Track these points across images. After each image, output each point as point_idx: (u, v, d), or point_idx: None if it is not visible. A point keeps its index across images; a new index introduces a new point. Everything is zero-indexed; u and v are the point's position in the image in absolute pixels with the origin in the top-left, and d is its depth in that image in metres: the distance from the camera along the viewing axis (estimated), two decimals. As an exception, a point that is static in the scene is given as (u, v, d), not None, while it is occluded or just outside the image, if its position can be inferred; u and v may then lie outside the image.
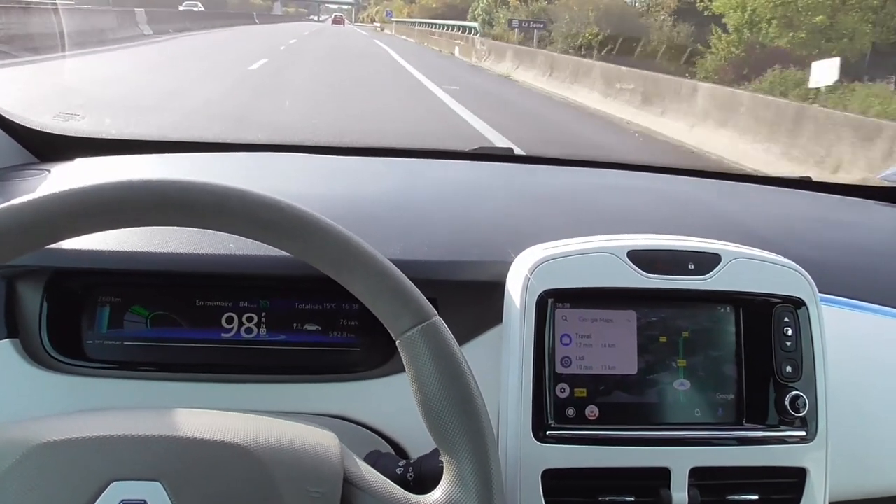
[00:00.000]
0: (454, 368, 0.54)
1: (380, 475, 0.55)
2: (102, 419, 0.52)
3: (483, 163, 1.30)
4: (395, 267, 0.56)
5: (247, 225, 0.54)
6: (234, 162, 1.19)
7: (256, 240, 0.55)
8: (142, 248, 0.79)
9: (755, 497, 0.75)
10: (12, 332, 0.79)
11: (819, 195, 1.32)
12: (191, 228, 0.79)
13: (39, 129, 1.15)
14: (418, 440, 0.69)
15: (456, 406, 0.53)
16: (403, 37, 36.04)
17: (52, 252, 0.77)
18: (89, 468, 0.48)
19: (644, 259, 0.76)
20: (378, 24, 55.53)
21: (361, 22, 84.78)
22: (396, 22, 45.90)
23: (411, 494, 0.54)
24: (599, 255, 0.76)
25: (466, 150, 1.36)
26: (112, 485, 0.48)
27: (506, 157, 1.36)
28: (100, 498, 0.47)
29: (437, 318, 0.55)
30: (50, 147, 1.15)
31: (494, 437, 0.55)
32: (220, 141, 1.30)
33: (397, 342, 0.55)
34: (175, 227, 0.78)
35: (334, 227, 0.55)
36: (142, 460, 0.49)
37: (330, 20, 78.08)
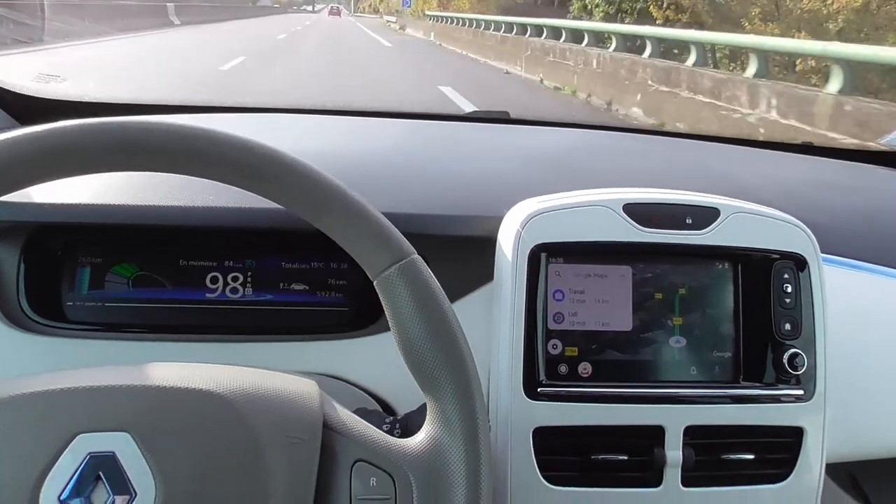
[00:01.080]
0: (435, 306, 0.52)
1: (361, 420, 0.53)
2: (69, 374, 0.50)
3: (479, 124, 1.28)
4: (372, 207, 0.54)
5: (217, 167, 0.52)
6: (223, 122, 1.16)
7: (229, 183, 0.53)
8: (122, 201, 0.77)
9: (751, 456, 0.74)
10: None
11: (820, 159, 1.30)
12: (172, 182, 0.78)
13: (19, 91, 1.12)
14: (406, 398, 0.67)
15: (437, 344, 0.51)
16: (456, 49, 18.12)
17: (28, 207, 0.75)
18: (53, 422, 0.46)
19: (640, 213, 0.73)
20: (391, 19, 42.57)
21: (362, 13, 77.78)
22: (433, 16, 28.16)
23: (393, 438, 0.52)
24: (594, 208, 0.73)
25: (462, 113, 1.33)
26: (77, 437, 0.46)
27: (502, 119, 1.34)
28: (65, 452, 0.45)
29: (416, 256, 0.53)
30: (31, 110, 1.12)
31: (478, 376, 0.53)
32: (208, 104, 1.27)
33: (375, 282, 0.53)
34: (153, 181, 0.77)
35: (309, 167, 0.53)
36: (108, 411, 0.47)
37: (326, 11, 74.67)
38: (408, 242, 0.54)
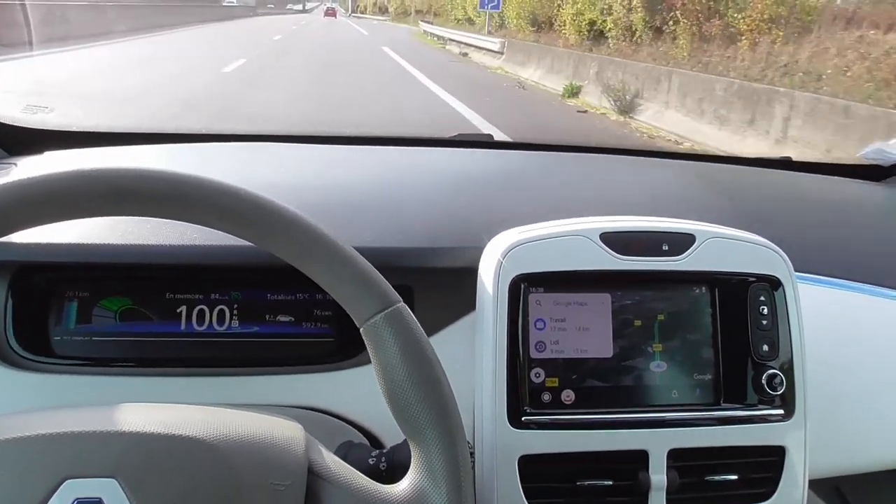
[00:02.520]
0: (419, 354, 0.53)
1: (346, 465, 0.54)
2: (55, 416, 0.51)
3: (461, 149, 1.29)
4: (357, 254, 0.55)
5: (204, 213, 0.53)
6: (206, 153, 1.17)
7: (215, 228, 0.54)
8: (107, 240, 0.77)
9: (734, 477, 0.75)
10: None
11: (799, 175, 1.32)
12: (158, 220, 0.79)
13: (7, 122, 1.12)
14: (392, 430, 0.67)
15: (422, 393, 0.52)
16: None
17: (16, 246, 0.75)
18: (41, 466, 0.46)
19: (617, 241, 0.75)
20: (436, 30, 23.39)
21: (362, 13, 63.76)
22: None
23: (378, 484, 0.53)
24: (572, 238, 0.75)
25: (445, 136, 1.34)
26: (65, 483, 0.46)
27: (484, 143, 1.35)
28: (53, 497, 0.46)
29: (402, 304, 0.54)
30: (19, 140, 1.12)
31: (462, 425, 0.54)
32: (192, 132, 1.28)
33: (361, 329, 0.54)
34: (139, 219, 0.78)
35: (294, 213, 0.54)
36: (96, 457, 0.47)
37: (320, 11, 65.85)
38: (393, 290, 0.55)
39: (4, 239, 0.75)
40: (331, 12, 59.80)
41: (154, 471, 0.48)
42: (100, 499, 0.46)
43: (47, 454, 0.47)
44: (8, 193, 0.50)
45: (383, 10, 56.62)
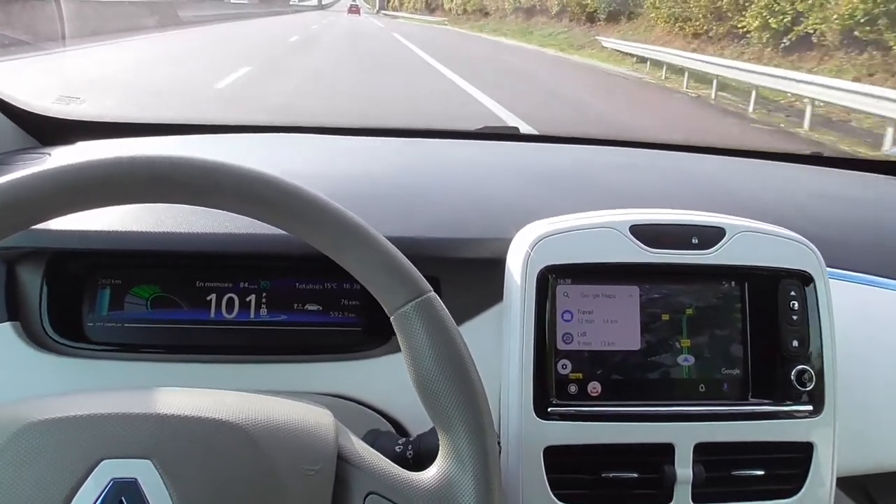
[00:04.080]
0: (449, 343, 0.53)
1: (375, 452, 0.54)
2: (93, 398, 0.52)
3: (488, 142, 1.29)
4: (389, 243, 0.55)
5: (238, 201, 0.53)
6: (238, 143, 1.19)
7: (249, 216, 0.54)
8: (140, 228, 0.79)
9: (761, 472, 0.74)
10: (13, 314, 0.79)
11: (828, 170, 1.30)
12: (190, 208, 0.80)
13: (41, 113, 1.15)
14: (419, 419, 0.68)
15: (451, 381, 0.53)
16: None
17: (50, 233, 0.77)
18: (79, 447, 0.47)
19: (646, 234, 0.74)
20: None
21: (393, 10, 52.90)
22: None
23: (406, 471, 0.53)
24: (601, 230, 0.74)
25: (471, 129, 1.34)
26: (102, 463, 0.47)
27: (511, 136, 1.35)
28: (90, 477, 0.47)
29: (432, 294, 0.55)
30: (52, 131, 1.15)
31: (491, 413, 0.54)
32: (222, 123, 1.30)
33: (392, 318, 0.54)
34: (172, 207, 0.79)
35: (328, 202, 0.54)
36: (132, 438, 0.48)
37: (340, 4, 56.80)
38: (424, 279, 0.55)
39: (39, 226, 0.77)
40: (354, 10, 51.87)
41: (188, 453, 0.48)
42: (135, 479, 0.47)
43: (85, 435, 0.48)
44: (48, 180, 0.51)
45: (431, 8, 41.83)
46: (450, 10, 35.17)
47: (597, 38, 18.08)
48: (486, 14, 27.07)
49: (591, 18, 20.59)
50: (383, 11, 55.00)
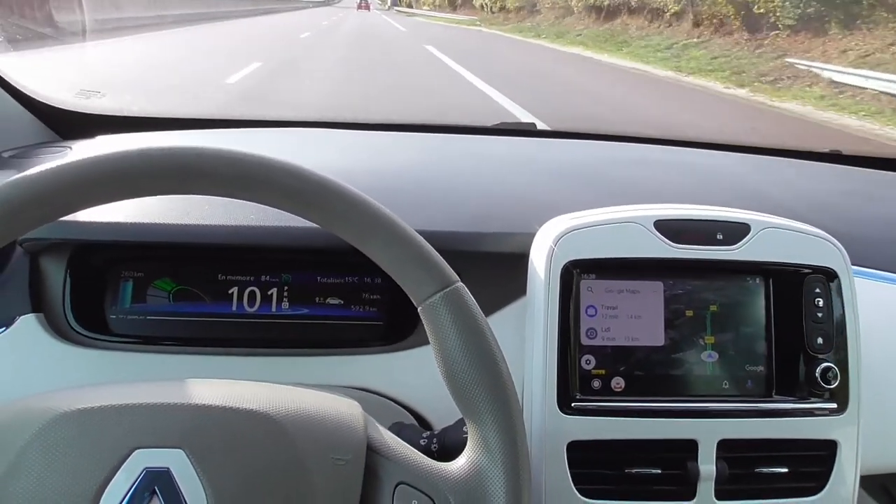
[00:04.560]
0: (478, 334, 0.53)
1: (403, 443, 0.54)
2: (124, 389, 0.52)
3: (505, 137, 1.29)
4: (417, 234, 0.55)
5: (268, 192, 0.54)
6: (260, 137, 1.19)
7: (278, 208, 0.55)
8: (163, 220, 0.79)
9: (784, 470, 0.74)
10: (37, 306, 0.79)
11: (850, 168, 1.29)
12: (212, 201, 0.80)
13: (61, 106, 1.15)
14: (442, 412, 0.68)
15: (480, 372, 0.53)
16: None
17: (74, 225, 0.77)
18: (112, 436, 0.48)
19: (671, 229, 0.74)
20: None
21: (407, 6, 48.22)
22: None
23: (434, 462, 0.53)
24: (625, 224, 0.74)
25: (489, 125, 1.34)
26: (135, 452, 0.47)
27: (528, 132, 1.35)
28: (123, 466, 0.47)
29: (460, 284, 0.55)
30: (72, 125, 1.15)
31: (519, 404, 0.54)
32: (244, 118, 1.30)
33: (419, 309, 0.54)
34: (196, 199, 0.80)
35: (356, 193, 0.54)
36: (165, 428, 0.48)
37: (355, 4, 52.97)
38: (452, 270, 0.55)
39: (63, 219, 0.77)
40: (364, 5, 51.14)
41: (220, 443, 0.49)
42: (168, 468, 0.47)
43: (118, 424, 0.48)
44: (79, 171, 0.51)
45: (453, 4, 35.44)
46: (481, 7, 28.74)
47: (788, 60, 10.37)
48: (534, 11, 19.27)
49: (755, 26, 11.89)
50: (396, 8, 50.14)
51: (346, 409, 0.54)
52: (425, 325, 0.55)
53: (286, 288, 0.84)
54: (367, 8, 49.76)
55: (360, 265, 0.56)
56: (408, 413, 0.78)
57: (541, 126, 1.43)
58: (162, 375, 0.79)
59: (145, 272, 0.84)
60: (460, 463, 0.53)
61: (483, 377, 0.53)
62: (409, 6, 45.48)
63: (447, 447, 0.65)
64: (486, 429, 0.53)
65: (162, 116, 1.26)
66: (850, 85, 8.70)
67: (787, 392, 0.76)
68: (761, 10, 11.72)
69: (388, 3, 54.86)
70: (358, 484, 0.50)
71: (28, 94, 1.11)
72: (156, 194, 0.54)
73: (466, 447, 0.54)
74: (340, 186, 0.54)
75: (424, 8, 41.46)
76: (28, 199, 0.50)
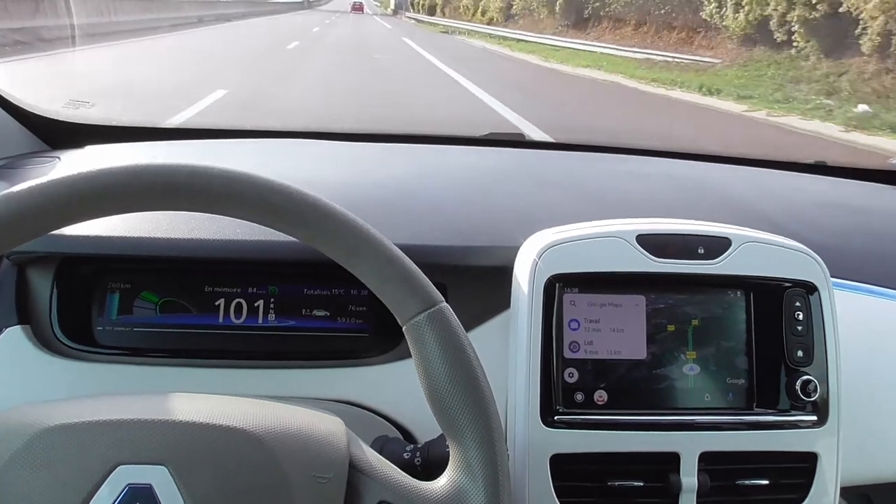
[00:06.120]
0: (460, 354, 0.54)
1: (386, 461, 0.55)
2: (109, 403, 0.52)
3: (494, 148, 1.29)
4: (402, 253, 0.56)
5: (255, 210, 0.54)
6: (246, 148, 1.19)
7: (264, 225, 0.55)
8: (150, 233, 0.79)
9: (765, 482, 0.75)
10: (23, 318, 0.79)
11: (834, 179, 1.31)
12: (199, 214, 0.80)
13: (50, 116, 1.15)
14: (426, 425, 0.68)
15: (462, 392, 0.53)
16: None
17: (61, 238, 0.77)
18: (96, 452, 0.48)
19: (653, 243, 0.75)
20: None
21: (416, 11, 35.46)
22: None
23: (417, 481, 0.54)
24: (608, 239, 0.75)
25: (477, 135, 1.35)
26: (118, 468, 0.48)
27: (517, 142, 1.36)
28: (106, 481, 0.47)
29: (444, 304, 0.55)
30: (61, 135, 1.15)
31: (501, 424, 0.55)
32: (231, 128, 1.30)
33: (404, 328, 0.55)
34: (182, 213, 0.80)
35: (342, 212, 0.55)
36: (148, 444, 0.49)
37: (349, 7, 49.77)
38: (436, 290, 0.56)
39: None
40: (358, 7, 48.48)
41: (202, 459, 0.49)
42: (150, 485, 0.48)
43: (101, 440, 0.49)
44: (70, 186, 0.51)
45: (431, 9, 31.61)
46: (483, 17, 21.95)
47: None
48: (586, 24, 13.58)
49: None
50: (406, 14, 37.10)
51: (330, 426, 0.54)
52: (409, 345, 0.55)
53: (273, 300, 0.85)
54: (361, 10, 45.98)
55: (346, 278, 0.56)
56: (392, 426, 0.78)
57: (529, 136, 1.43)
58: (148, 387, 0.80)
59: (132, 284, 0.84)
60: (442, 482, 0.54)
61: (465, 399, 0.53)
62: (431, 11, 32.51)
63: (431, 461, 0.65)
64: (467, 449, 0.53)
65: (150, 126, 1.27)
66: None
67: (767, 405, 0.76)
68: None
69: (392, 6, 44.98)
70: (339, 502, 0.50)
71: (16, 103, 1.11)
72: (146, 210, 0.55)
73: (448, 467, 0.54)
74: (327, 205, 0.55)
75: (442, 17, 28.27)
76: (17, 213, 0.51)
